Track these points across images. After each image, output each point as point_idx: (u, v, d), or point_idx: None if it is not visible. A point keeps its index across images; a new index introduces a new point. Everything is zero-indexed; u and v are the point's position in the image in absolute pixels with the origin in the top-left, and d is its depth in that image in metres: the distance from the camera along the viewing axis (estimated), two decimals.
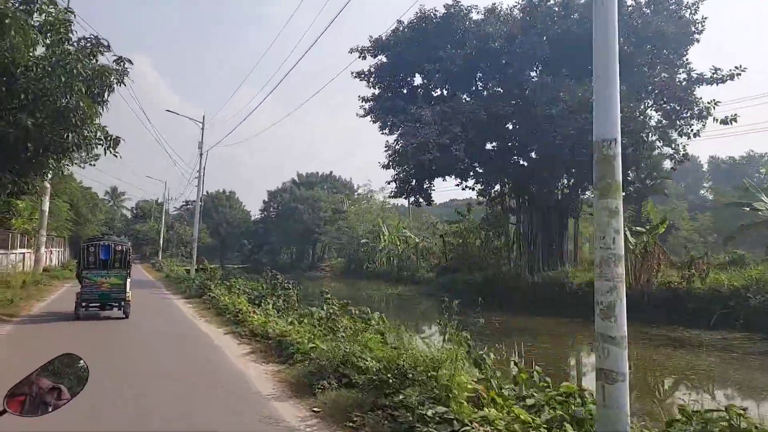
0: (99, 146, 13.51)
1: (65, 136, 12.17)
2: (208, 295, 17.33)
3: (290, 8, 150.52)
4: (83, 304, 13.51)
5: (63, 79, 11.41)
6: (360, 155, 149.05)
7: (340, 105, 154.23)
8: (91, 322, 12.98)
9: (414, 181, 25.73)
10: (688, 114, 21.73)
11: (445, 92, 26.35)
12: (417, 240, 43.96)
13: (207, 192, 74.15)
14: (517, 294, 22.79)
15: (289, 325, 10.18)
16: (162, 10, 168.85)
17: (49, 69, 11.48)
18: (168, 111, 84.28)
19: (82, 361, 1.94)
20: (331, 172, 78.82)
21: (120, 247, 14.27)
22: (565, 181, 26.18)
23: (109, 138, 13.14)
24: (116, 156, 13.52)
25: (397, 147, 24.16)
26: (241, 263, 69.25)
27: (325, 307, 10.96)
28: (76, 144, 12.75)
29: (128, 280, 13.96)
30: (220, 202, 78.21)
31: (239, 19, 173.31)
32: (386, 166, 25.32)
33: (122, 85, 13.27)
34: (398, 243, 45.81)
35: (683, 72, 22.46)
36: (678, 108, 21.75)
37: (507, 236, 28.63)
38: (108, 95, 13.09)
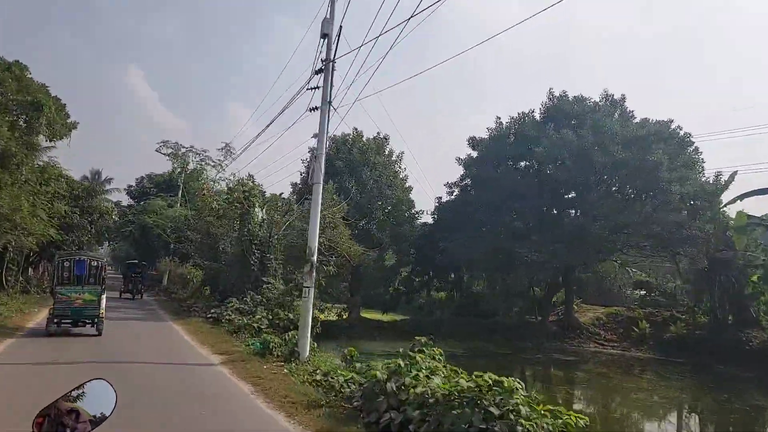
0: None
1: None
2: None
3: None
4: (55, 320, 13.57)
5: None
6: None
7: None
8: None
9: None
10: None
11: None
12: None
13: (333, 137, 30.16)
14: None
15: None
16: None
17: None
18: None
19: (110, 387, 1.90)
20: (624, 97, 30.09)
21: (95, 263, 14.69)
22: None
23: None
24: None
25: None
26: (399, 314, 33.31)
27: None
28: None
29: (103, 296, 14.00)
30: (365, 156, 32.38)
31: None
32: None
33: None
34: None
35: None
36: None
37: None
38: None
